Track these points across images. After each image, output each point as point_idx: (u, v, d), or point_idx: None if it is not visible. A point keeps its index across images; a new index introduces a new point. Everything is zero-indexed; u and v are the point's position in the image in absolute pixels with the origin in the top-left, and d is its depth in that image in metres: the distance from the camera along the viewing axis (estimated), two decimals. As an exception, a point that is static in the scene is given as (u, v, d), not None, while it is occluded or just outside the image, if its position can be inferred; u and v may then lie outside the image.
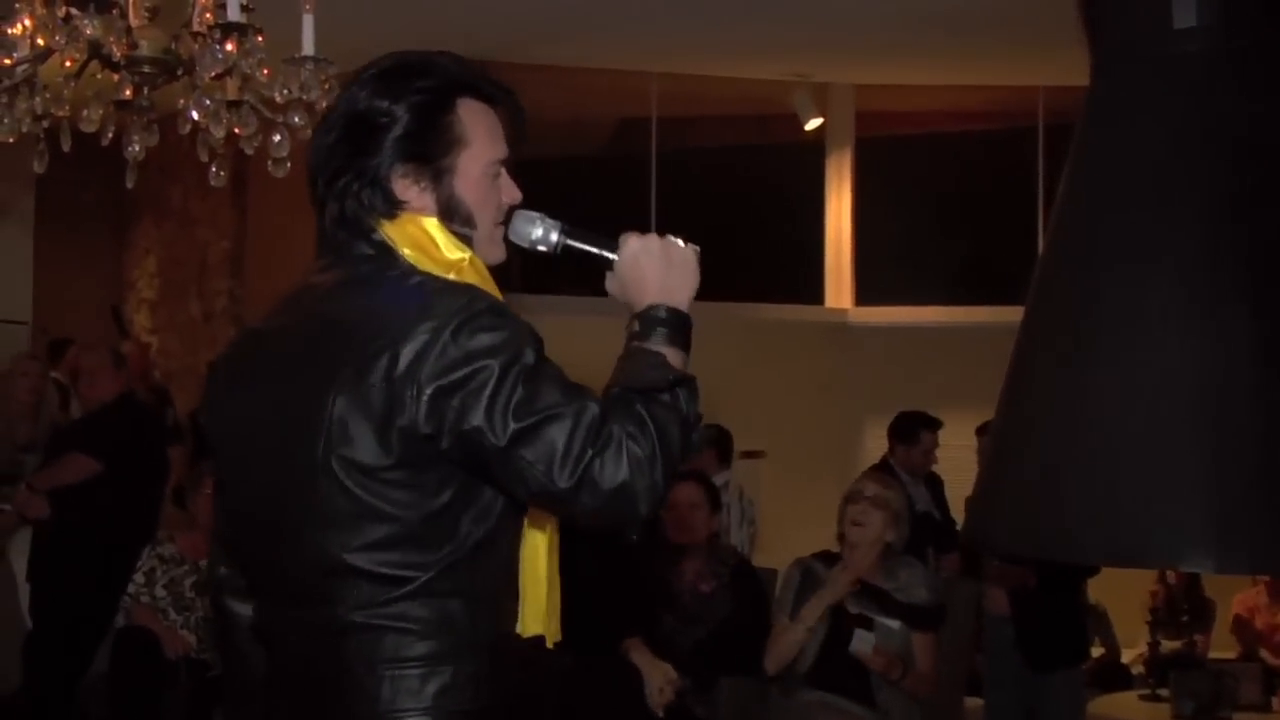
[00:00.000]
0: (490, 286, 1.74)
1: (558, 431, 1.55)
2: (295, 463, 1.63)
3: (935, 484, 6.31)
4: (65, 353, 7.13)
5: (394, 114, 1.75)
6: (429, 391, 1.56)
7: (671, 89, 8.44)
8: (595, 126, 9.20)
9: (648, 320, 1.74)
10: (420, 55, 1.81)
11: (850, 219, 8.78)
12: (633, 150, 8.87)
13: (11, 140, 2.96)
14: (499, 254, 1.84)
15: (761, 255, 8.85)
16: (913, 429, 6.11)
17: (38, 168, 3.12)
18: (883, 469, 5.87)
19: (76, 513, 5.17)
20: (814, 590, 4.18)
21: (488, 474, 1.61)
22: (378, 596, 1.62)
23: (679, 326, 1.74)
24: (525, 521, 1.75)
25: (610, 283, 1.82)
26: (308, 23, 3.03)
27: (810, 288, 8.74)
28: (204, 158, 3.38)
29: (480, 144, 1.79)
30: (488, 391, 1.56)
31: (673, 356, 1.71)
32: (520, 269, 9.60)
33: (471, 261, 1.74)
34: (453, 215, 1.78)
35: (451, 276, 1.70)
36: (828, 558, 4.29)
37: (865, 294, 8.71)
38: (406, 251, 1.73)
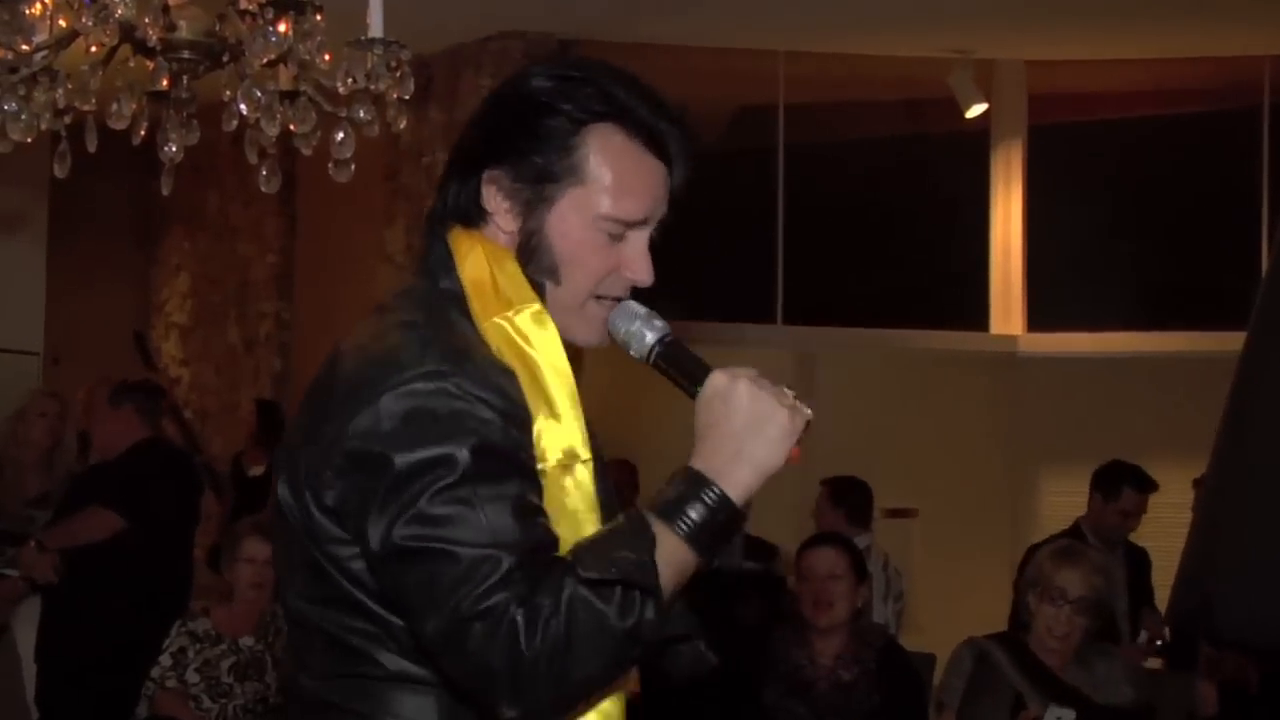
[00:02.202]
0: (526, 360, 1.68)
1: (446, 570, 1.53)
2: (288, 518, 1.73)
3: (1136, 557, 6.17)
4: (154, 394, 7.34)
5: (515, 107, 1.76)
6: (339, 456, 1.62)
7: (801, 70, 8.42)
8: (709, 116, 9.20)
9: (682, 493, 1.63)
10: (601, 61, 1.81)
11: (1021, 225, 8.68)
12: (754, 144, 8.85)
13: (29, 140, 3.03)
14: (589, 334, 1.79)
15: (910, 270, 8.77)
16: (1116, 482, 5.97)
17: (58, 171, 3.20)
18: (1073, 534, 5.76)
19: (93, 578, 5.25)
20: (991, 682, 4.12)
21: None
22: (335, 668, 1.68)
23: (715, 523, 1.62)
24: None
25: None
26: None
27: (971, 310, 8.66)
28: (253, 159, 3.43)
29: (602, 188, 1.74)
30: (380, 490, 1.57)
31: (676, 552, 1.60)
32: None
33: (534, 317, 1.71)
34: (531, 258, 1.75)
35: (484, 328, 1.69)
36: (1009, 642, 4.22)
37: (1039, 317, 8.60)
38: (465, 275, 1.75)
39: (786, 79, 8.46)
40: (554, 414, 1.69)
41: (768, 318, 8.48)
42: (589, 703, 1.63)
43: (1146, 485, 5.98)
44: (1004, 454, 8.40)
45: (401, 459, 1.57)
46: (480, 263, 1.74)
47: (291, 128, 3.33)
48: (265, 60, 3.10)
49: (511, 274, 1.73)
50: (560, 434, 1.69)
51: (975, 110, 8.50)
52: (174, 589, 5.45)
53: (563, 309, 1.75)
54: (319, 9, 3.07)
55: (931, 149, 9.08)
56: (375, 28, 3.14)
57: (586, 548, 1.59)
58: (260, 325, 9.53)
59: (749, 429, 1.64)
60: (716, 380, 1.68)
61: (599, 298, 1.77)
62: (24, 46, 2.94)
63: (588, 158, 1.73)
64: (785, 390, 1.69)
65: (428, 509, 1.55)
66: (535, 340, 1.70)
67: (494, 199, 1.76)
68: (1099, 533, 5.94)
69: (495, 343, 1.69)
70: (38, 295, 8.08)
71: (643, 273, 1.79)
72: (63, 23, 3.02)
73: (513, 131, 1.75)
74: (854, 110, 9.40)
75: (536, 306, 1.72)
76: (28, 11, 2.87)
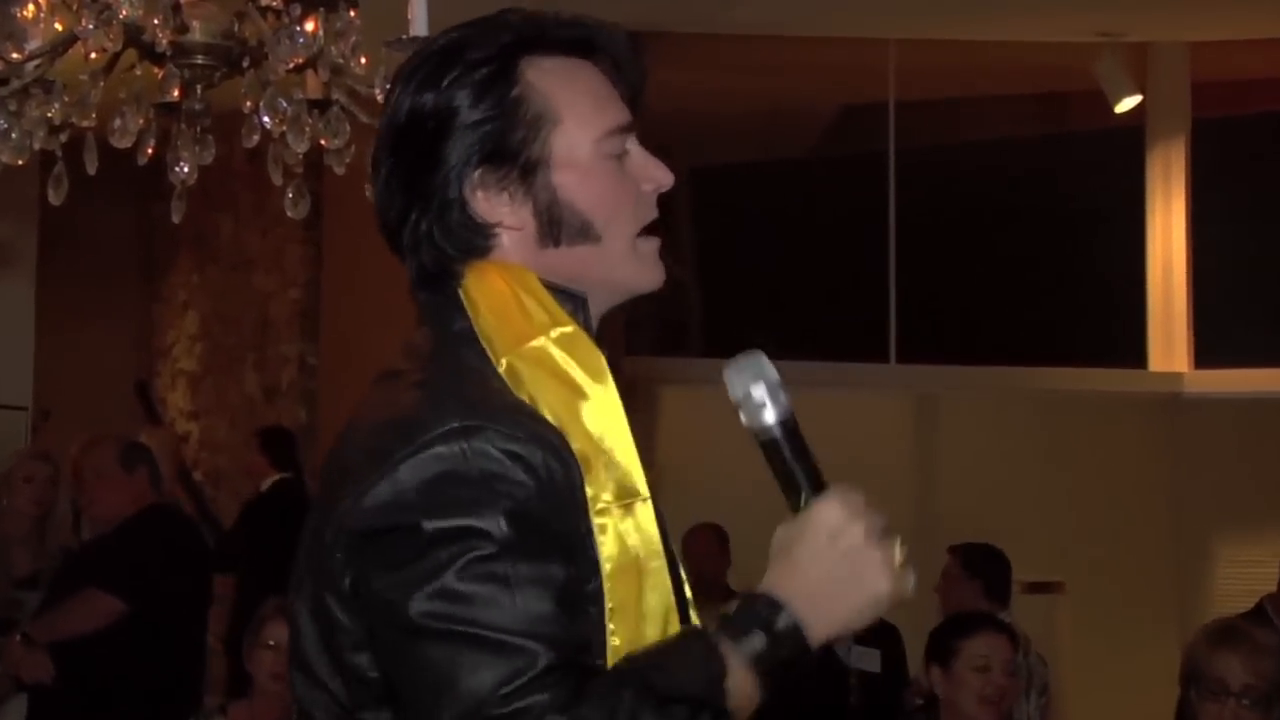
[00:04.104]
0: (572, 386, 1.71)
1: (470, 658, 1.53)
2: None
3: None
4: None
5: (441, 108, 1.77)
6: (347, 535, 1.64)
7: (915, 61, 8.41)
8: (809, 116, 9.22)
9: (757, 615, 1.65)
10: (464, 25, 1.83)
11: (1185, 241, 8.62)
12: (861, 147, 8.86)
13: (20, 163, 3.07)
14: (651, 273, 1.84)
15: (1049, 296, 8.71)
16: None
17: (53, 198, 3.23)
18: (1255, 616, 5.66)
19: (90, 673, 5.26)
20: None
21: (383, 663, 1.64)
22: None
23: (788, 657, 1.65)
24: None
25: (780, 530, 1.74)
26: (421, -10, 3.08)
27: (1125, 343, 8.59)
28: (277, 179, 3.46)
29: (578, 114, 1.79)
30: (408, 559, 1.58)
31: (744, 682, 1.61)
32: (702, 325, 9.62)
33: (573, 338, 1.73)
34: (561, 231, 1.78)
35: (510, 360, 1.70)
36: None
37: (1208, 352, 8.53)
38: (483, 315, 1.75)
39: (898, 72, 8.45)
40: (604, 448, 1.70)
41: (879, 355, 8.44)
42: None
43: None
44: (1168, 515, 8.32)
45: (428, 524, 1.57)
46: (496, 285, 1.77)
47: (322, 143, 3.35)
48: (291, 65, 3.12)
49: (538, 292, 1.76)
50: (614, 469, 1.70)
51: (1127, 104, 8.44)
52: (184, 683, 5.47)
53: (615, 263, 1.80)
54: (353, 5, 3.09)
55: (1074, 151, 9.06)
56: (418, 25, 3.15)
57: (645, 660, 1.60)
58: (281, 371, 9.59)
59: (850, 584, 1.69)
60: (830, 512, 1.70)
61: (640, 234, 1.82)
62: (15, 55, 2.97)
63: (543, 93, 1.78)
64: (899, 547, 1.71)
65: (455, 584, 1.55)
66: (575, 365, 1.72)
67: (489, 203, 1.77)
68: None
69: (531, 373, 1.70)
70: (25, 340, 8.17)
71: (661, 174, 1.83)
72: (59, 26, 3.05)
73: (451, 133, 1.77)
74: (978, 107, 9.40)
75: (572, 328, 1.74)
76: (19, 14, 2.90)
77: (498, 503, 1.58)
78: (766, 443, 1.74)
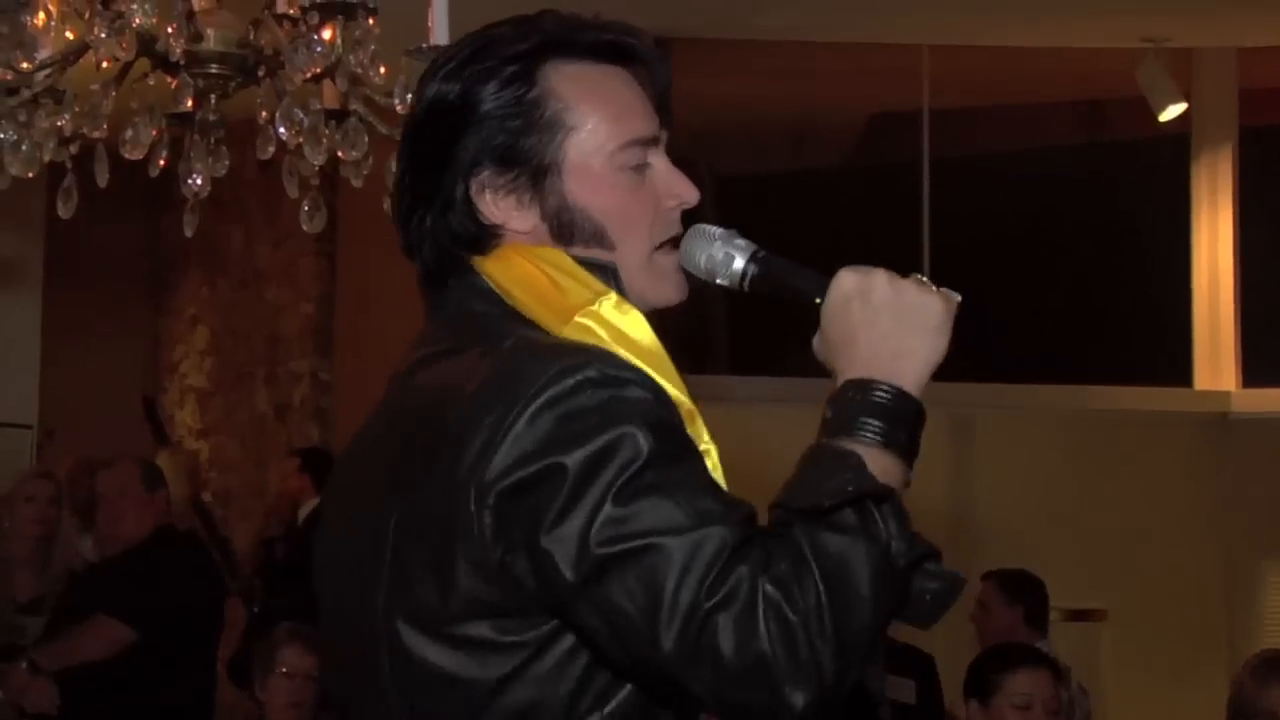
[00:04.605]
0: (638, 349, 1.73)
1: (663, 567, 1.55)
2: (363, 618, 1.75)
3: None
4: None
5: (459, 102, 1.80)
6: (491, 498, 1.61)
7: (950, 68, 8.40)
8: (839, 125, 9.22)
9: (849, 403, 1.69)
10: (500, 22, 1.85)
11: (1232, 254, 8.58)
12: (893, 158, 8.85)
13: (30, 174, 3.08)
14: (669, 289, 1.85)
15: (1094, 312, 8.68)
16: None
17: (63, 211, 3.25)
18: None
19: (96, 702, 5.25)
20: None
21: (570, 625, 1.64)
22: None
23: (900, 416, 1.69)
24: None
25: (817, 341, 1.80)
26: (440, -2, 3.09)
27: (1170, 360, 8.57)
28: (293, 192, 3.47)
29: (596, 122, 1.80)
30: (559, 501, 1.58)
31: (879, 462, 1.66)
32: (728, 342, 9.61)
33: (617, 305, 1.75)
34: (572, 235, 1.81)
35: (566, 333, 1.72)
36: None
37: (1257, 370, 8.51)
38: (516, 297, 1.77)
39: (932, 79, 8.44)
40: (686, 404, 1.75)
41: (912, 372, 8.42)
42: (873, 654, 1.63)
43: None
44: (1215, 541, 8.27)
45: (569, 460, 1.59)
46: (520, 267, 1.79)
47: (339, 155, 3.36)
48: (308, 74, 3.12)
49: (568, 266, 1.78)
50: (696, 427, 1.75)
51: (1171, 112, 8.39)
52: (193, 713, 5.47)
53: (630, 274, 1.82)
54: (372, 12, 3.09)
55: (1115, 161, 9.04)
56: (439, 33, 3.16)
57: (794, 492, 1.63)
58: (294, 389, 9.61)
59: (904, 323, 1.72)
60: (847, 280, 1.76)
61: (659, 248, 1.83)
62: (24, 65, 2.99)
63: (562, 98, 1.79)
64: (921, 278, 1.75)
65: (618, 509, 1.57)
66: (631, 330, 1.75)
67: (495, 205, 1.81)
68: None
69: (595, 341, 1.73)
70: (31, 356, 8.18)
71: (685, 189, 1.84)
72: (70, 35, 3.07)
73: (465, 129, 1.79)
74: (1016, 115, 9.38)
75: (614, 296, 1.77)
76: (29, 22, 2.91)
77: (626, 419, 1.61)
78: (752, 283, 1.82)
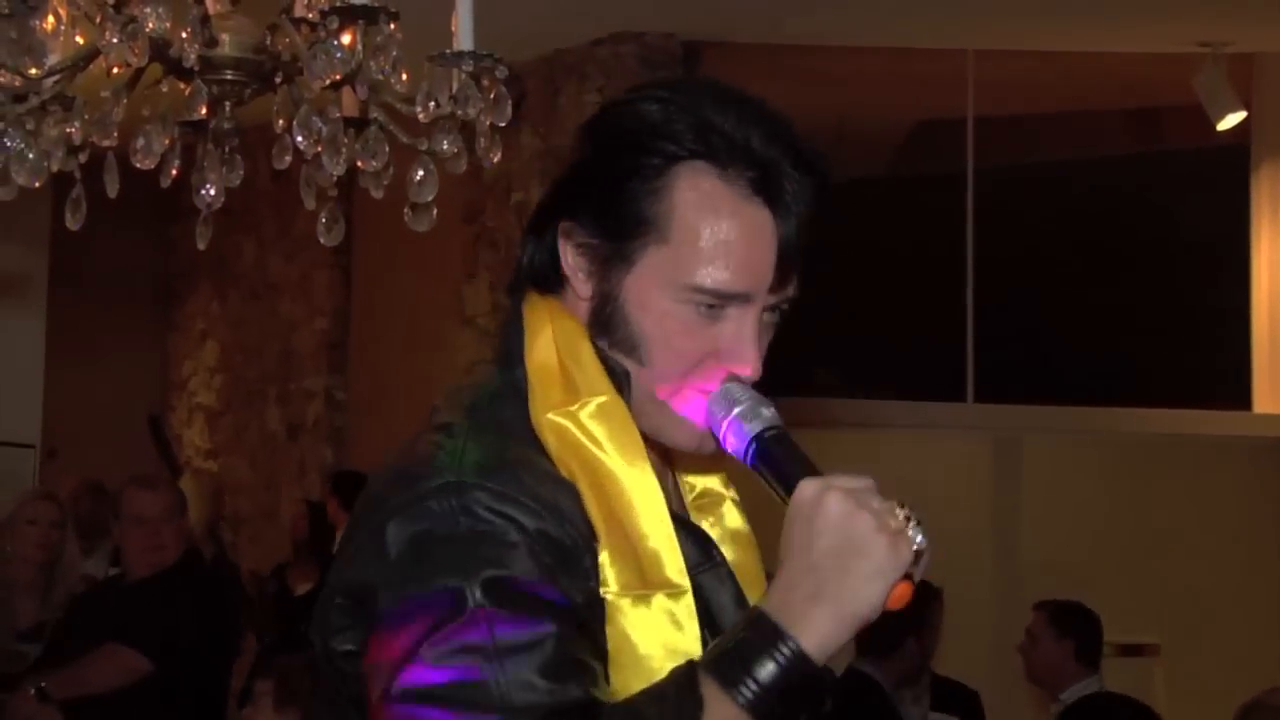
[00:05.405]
0: (592, 466, 1.71)
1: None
2: None
3: None
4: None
5: (605, 137, 1.80)
6: (337, 601, 1.72)
7: (997, 74, 8.40)
8: (880, 133, 9.23)
9: (743, 642, 1.61)
10: (690, 83, 1.82)
11: (1293, 271, 8.55)
12: (935, 169, 8.84)
13: (38, 184, 3.10)
14: (681, 434, 1.79)
15: (1146, 330, 8.67)
16: None
17: (71, 223, 3.25)
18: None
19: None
20: None
21: None
22: None
23: (787, 687, 1.59)
24: None
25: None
26: (465, 2, 3.09)
27: (1229, 382, 8.53)
28: (310, 203, 3.48)
29: (689, 249, 1.73)
30: (384, 633, 1.62)
31: None
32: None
33: (603, 410, 1.73)
34: (607, 330, 1.78)
35: (541, 423, 1.74)
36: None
37: (1318, 391, 8.43)
38: (530, 359, 1.79)
39: (977, 86, 8.44)
40: (628, 534, 1.70)
41: (954, 393, 8.40)
42: None
43: None
44: (1275, 571, 8.23)
45: (402, 596, 1.61)
46: (548, 344, 1.79)
47: (358, 164, 3.37)
48: (328, 81, 3.13)
49: (586, 359, 1.77)
50: (635, 558, 1.70)
51: (1230, 120, 8.37)
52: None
53: (650, 399, 1.77)
54: (394, 17, 3.09)
55: (1170, 172, 9.01)
56: (464, 38, 3.17)
57: (620, 712, 1.59)
58: (307, 407, 9.64)
59: (833, 561, 1.60)
60: (803, 491, 1.64)
61: (690, 385, 1.77)
62: (33, 70, 3.00)
63: (674, 207, 1.73)
64: (897, 509, 1.63)
65: (429, 661, 1.57)
66: (606, 440, 1.73)
67: (569, 257, 1.80)
68: None
69: (554, 445, 1.72)
70: (35, 373, 8.23)
71: (744, 362, 1.76)
72: (80, 40, 3.08)
73: (591, 170, 1.78)
74: (1064, 124, 9.38)
75: (605, 398, 1.75)
76: (38, 27, 2.93)
77: (478, 567, 1.59)
78: (752, 460, 1.73)
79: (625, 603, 1.68)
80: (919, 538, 1.62)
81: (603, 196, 1.75)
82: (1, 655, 5.85)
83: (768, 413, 1.73)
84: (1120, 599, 6.81)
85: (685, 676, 1.60)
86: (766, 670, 1.58)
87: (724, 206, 1.72)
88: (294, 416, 9.69)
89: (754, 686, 1.58)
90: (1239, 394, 8.52)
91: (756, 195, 1.73)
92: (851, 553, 1.59)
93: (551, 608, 1.60)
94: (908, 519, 1.62)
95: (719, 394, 1.75)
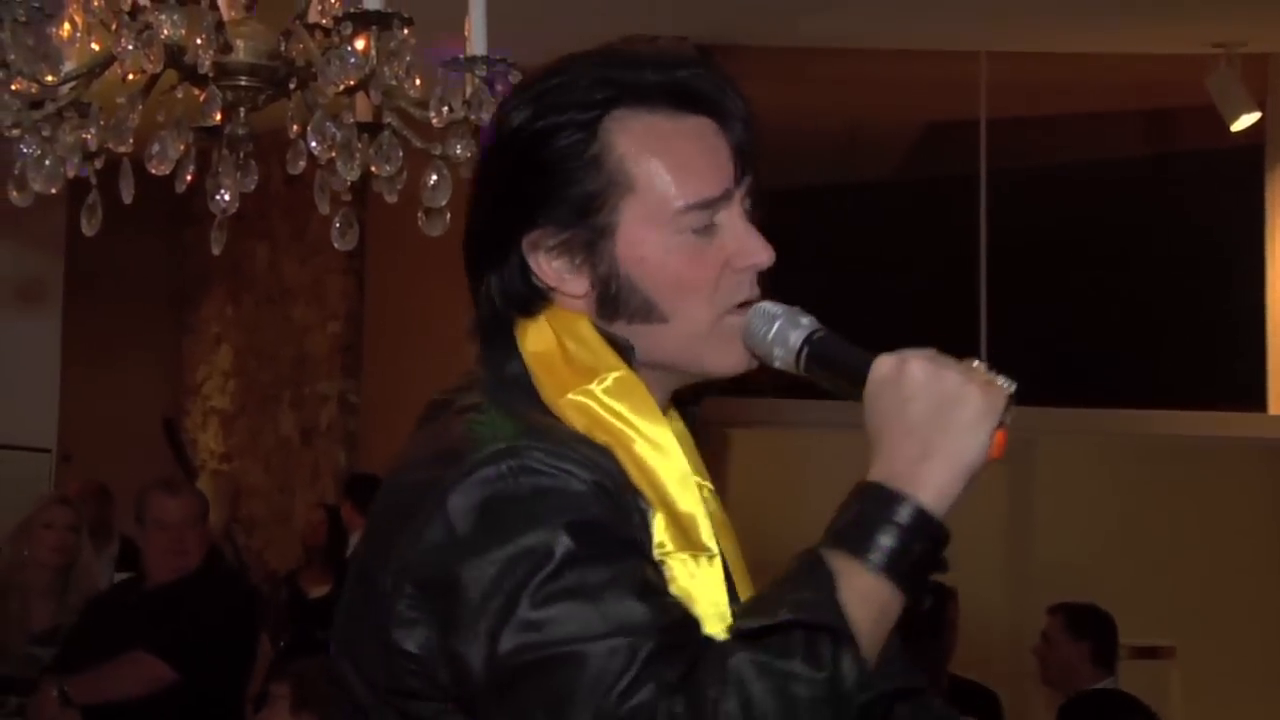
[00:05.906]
0: (622, 439, 1.72)
1: (570, 681, 1.54)
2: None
3: None
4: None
5: (510, 150, 1.80)
6: (408, 587, 1.66)
7: (1009, 75, 8.39)
8: (892, 135, 9.22)
9: (861, 514, 1.61)
10: (569, 59, 1.83)
11: (1309, 272, 8.53)
12: (948, 170, 8.83)
13: (54, 190, 3.11)
14: (728, 358, 1.82)
15: (1161, 332, 8.66)
16: None
17: (87, 229, 3.28)
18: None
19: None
20: None
21: None
22: None
23: (913, 547, 1.60)
24: None
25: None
26: (478, 6, 3.12)
27: (1244, 384, 8.47)
28: (324, 208, 3.51)
29: (658, 181, 1.77)
30: (473, 601, 1.59)
31: (865, 591, 1.58)
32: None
33: (620, 384, 1.75)
34: (616, 309, 1.79)
35: (561, 408, 1.73)
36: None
37: (1334, 393, 8.41)
38: (527, 350, 1.80)
39: (990, 87, 8.43)
40: (664, 501, 1.72)
41: (969, 395, 8.40)
42: None
43: None
44: (1294, 571, 8.22)
45: (486, 562, 1.59)
46: (544, 334, 1.80)
47: (372, 169, 3.39)
48: (342, 87, 3.15)
49: (586, 338, 1.78)
50: (673, 523, 1.72)
51: (1244, 121, 8.36)
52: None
53: (684, 344, 1.79)
54: (407, 22, 3.11)
55: (1184, 173, 9.01)
56: (477, 43, 3.19)
57: (750, 606, 1.62)
58: (320, 411, 9.65)
59: (933, 417, 1.62)
60: (882, 367, 1.67)
61: (729, 312, 1.80)
62: (49, 77, 3.02)
63: (621, 158, 1.76)
64: (975, 363, 1.67)
65: (532, 613, 1.57)
66: (629, 413, 1.75)
67: (546, 267, 1.80)
68: None
69: (580, 423, 1.73)
70: (50, 378, 8.25)
71: (757, 253, 1.80)
72: (95, 46, 3.10)
73: (522, 180, 1.79)
74: (1078, 125, 9.36)
75: (621, 372, 1.76)
76: (54, 34, 2.95)
77: (555, 516, 1.60)
78: (806, 365, 1.76)
79: (676, 562, 1.70)
80: (1008, 384, 1.67)
81: (552, 192, 1.76)
82: (15, 659, 5.86)
83: (806, 320, 1.77)
84: (1135, 601, 6.80)
85: (809, 558, 1.60)
86: (892, 532, 1.59)
87: (663, 130, 1.78)
88: (308, 420, 9.70)
89: (885, 547, 1.58)
90: (1254, 396, 8.49)
91: (682, 109, 1.79)
92: (948, 406, 1.62)
93: (631, 544, 1.64)
94: (988, 369, 1.67)
95: (753, 315, 1.79)
